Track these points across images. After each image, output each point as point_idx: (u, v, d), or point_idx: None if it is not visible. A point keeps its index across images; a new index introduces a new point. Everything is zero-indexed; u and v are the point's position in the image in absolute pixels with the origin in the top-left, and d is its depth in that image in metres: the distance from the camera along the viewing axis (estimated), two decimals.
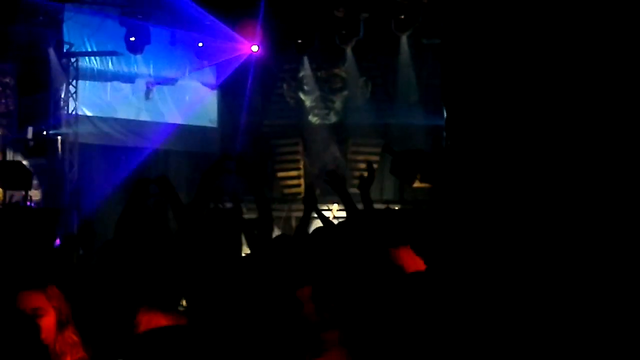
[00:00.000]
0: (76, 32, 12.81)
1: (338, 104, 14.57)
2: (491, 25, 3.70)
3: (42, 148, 12.15)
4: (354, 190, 4.93)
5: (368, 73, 14.71)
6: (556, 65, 3.44)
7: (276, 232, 7.12)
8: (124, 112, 13.63)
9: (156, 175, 4.16)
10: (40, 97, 12.61)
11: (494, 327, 2.98)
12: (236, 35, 13.76)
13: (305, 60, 14.53)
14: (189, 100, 14.47)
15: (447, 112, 4.35)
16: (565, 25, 3.43)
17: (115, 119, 13.44)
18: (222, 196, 5.98)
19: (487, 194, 3.63)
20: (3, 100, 12.16)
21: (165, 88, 14.16)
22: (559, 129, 3.44)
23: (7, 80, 12.28)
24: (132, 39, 12.67)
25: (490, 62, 3.75)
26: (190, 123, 14.49)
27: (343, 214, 8.12)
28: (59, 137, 12.72)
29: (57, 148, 12.63)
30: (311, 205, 4.67)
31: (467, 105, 3.82)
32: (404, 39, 14.10)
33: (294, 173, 14.63)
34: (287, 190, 13.65)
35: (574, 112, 3.42)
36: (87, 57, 13.09)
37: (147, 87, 13.92)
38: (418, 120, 14.59)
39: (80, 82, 13.05)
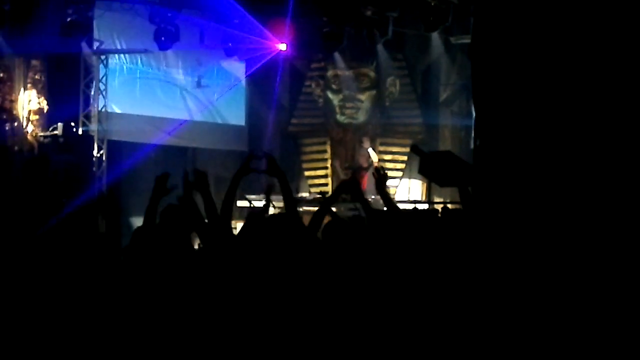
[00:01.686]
0: (106, 30, 12.89)
1: (366, 103, 14.54)
2: (522, 25, 3.67)
3: (72, 144, 12.25)
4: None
5: (396, 72, 14.66)
6: (589, 66, 3.40)
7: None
8: (153, 110, 13.70)
9: (183, 172, 4.19)
10: (70, 94, 12.71)
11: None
12: (265, 33, 13.77)
13: (335, 58, 14.51)
14: (217, 98, 14.50)
15: (476, 112, 4.32)
16: (598, 26, 3.39)
17: (144, 117, 13.51)
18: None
19: (519, 196, 3.59)
20: (34, 97, 12.27)
21: (193, 85, 14.20)
22: (591, 128, 3.40)
23: (38, 77, 12.39)
24: (163, 38, 12.72)
25: (521, 62, 3.71)
26: (218, 121, 14.54)
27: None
28: (89, 134, 12.81)
29: (87, 145, 12.73)
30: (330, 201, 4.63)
31: (498, 106, 3.79)
32: (433, 39, 14.03)
33: (321, 172, 14.63)
34: (314, 189, 13.64)
35: (604, 113, 3.38)
36: (116, 55, 13.17)
37: (198, 78, 14.02)
38: (446, 120, 14.53)
39: (109, 79, 13.13)
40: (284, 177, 4.06)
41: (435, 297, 3.32)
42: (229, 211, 3.95)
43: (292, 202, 3.98)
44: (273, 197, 11.98)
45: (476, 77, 3.97)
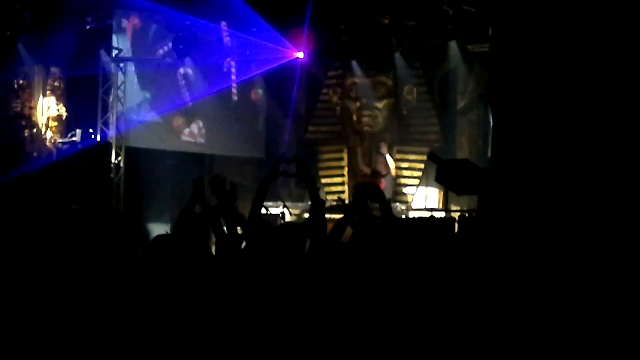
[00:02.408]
0: (124, 37, 13.01)
1: (383, 111, 14.53)
2: (540, 34, 3.69)
3: (90, 151, 12.36)
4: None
5: (414, 80, 14.67)
6: (613, 76, 3.41)
7: None
8: (171, 117, 13.78)
9: (197, 178, 4.21)
10: (88, 101, 12.83)
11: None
12: (283, 41, 13.84)
13: (353, 66, 14.55)
14: (234, 104, 14.58)
15: (493, 121, 4.35)
16: (621, 36, 3.41)
17: (162, 123, 13.60)
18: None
19: (537, 205, 3.61)
20: (53, 104, 12.40)
21: (212, 91, 14.27)
22: (613, 138, 3.41)
23: (57, 84, 12.52)
24: (181, 46, 12.82)
25: (539, 71, 3.73)
26: (236, 127, 14.60)
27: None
28: (107, 141, 12.92)
29: (105, 152, 12.83)
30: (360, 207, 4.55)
31: (515, 114, 3.81)
32: (450, 47, 14.05)
33: (338, 179, 14.65)
34: (330, 197, 13.68)
35: (627, 124, 3.39)
36: (134, 62, 13.28)
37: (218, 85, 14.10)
38: (464, 129, 14.51)
39: (128, 86, 13.24)
40: (313, 182, 4.04)
41: (452, 306, 3.32)
42: (258, 217, 3.95)
43: (320, 209, 3.93)
44: (289, 204, 12.08)
45: (494, 85, 4.00)
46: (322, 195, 14.37)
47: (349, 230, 4.08)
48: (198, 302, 3.32)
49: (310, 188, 3.97)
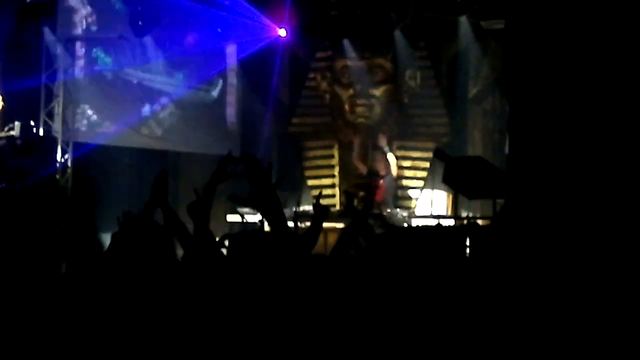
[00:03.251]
0: (73, 14, 12.93)
1: (381, 100, 14.54)
2: (565, 6, 3.67)
3: (32, 147, 12.28)
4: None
5: (417, 63, 14.67)
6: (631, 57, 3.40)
7: None
8: (127, 107, 13.72)
9: (163, 183, 4.17)
10: (30, 88, 12.75)
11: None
12: (262, 16, 13.82)
13: (345, 47, 14.54)
14: (202, 91, 14.55)
15: (511, 111, 4.32)
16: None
17: (117, 115, 13.54)
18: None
19: (564, 212, 3.59)
20: None
21: (177, 78, 14.23)
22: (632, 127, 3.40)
23: None
24: (140, 22, 12.77)
25: (564, 51, 3.71)
26: (205, 119, 14.55)
27: None
28: (51, 135, 12.84)
29: (49, 148, 12.76)
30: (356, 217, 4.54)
31: (537, 103, 3.79)
32: (461, 24, 14.07)
33: (327, 181, 14.65)
34: (325, 201, 13.68)
35: None
36: (85, 43, 13.20)
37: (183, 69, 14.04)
38: (476, 120, 14.53)
39: (77, 71, 13.16)
40: (267, 181, 3.98)
41: (462, 331, 3.32)
42: (204, 230, 3.89)
43: (276, 216, 3.87)
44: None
45: (511, 68, 3.98)
46: (308, 199, 14.39)
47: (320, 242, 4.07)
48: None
49: (262, 193, 3.90)
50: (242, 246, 3.56)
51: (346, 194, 4.34)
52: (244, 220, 10.62)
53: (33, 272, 3.98)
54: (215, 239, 3.92)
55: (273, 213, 3.85)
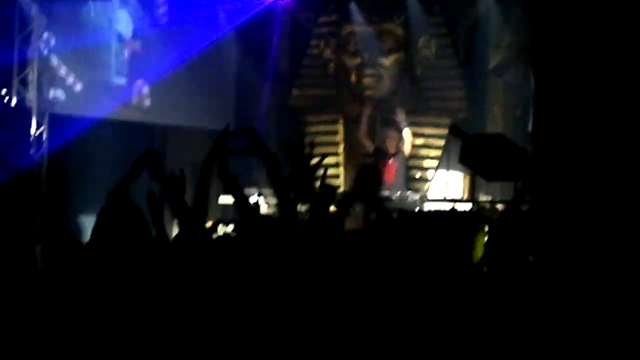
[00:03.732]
0: None
1: (391, 70, 14.51)
2: None
3: (2, 118, 12.27)
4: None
5: (432, 30, 14.63)
6: None
7: None
8: (110, 73, 13.69)
9: (151, 158, 4.16)
10: (1, 53, 12.71)
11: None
12: None
13: (351, 10, 14.50)
14: (194, 59, 14.50)
15: (536, 84, 4.28)
16: None
17: (98, 82, 13.51)
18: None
19: (592, 195, 3.57)
20: None
21: (159, 42, 14.17)
22: None
23: None
24: None
25: (597, 18, 3.67)
26: (196, 89, 14.51)
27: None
28: (25, 105, 12.82)
29: (22, 119, 12.74)
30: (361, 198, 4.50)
31: (566, 75, 3.75)
32: None
33: (331, 160, 14.63)
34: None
35: None
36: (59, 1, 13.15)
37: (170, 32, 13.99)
38: (497, 94, 14.50)
39: (52, 34, 13.11)
40: (274, 159, 3.97)
41: (479, 328, 3.32)
42: (203, 209, 3.91)
43: (285, 197, 3.88)
44: (266, 190, 12.06)
45: (537, 36, 3.94)
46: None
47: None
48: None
49: (270, 170, 3.91)
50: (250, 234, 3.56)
51: (359, 171, 4.23)
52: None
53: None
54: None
55: (283, 195, 3.86)
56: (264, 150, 3.94)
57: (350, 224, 4.23)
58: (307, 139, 14.66)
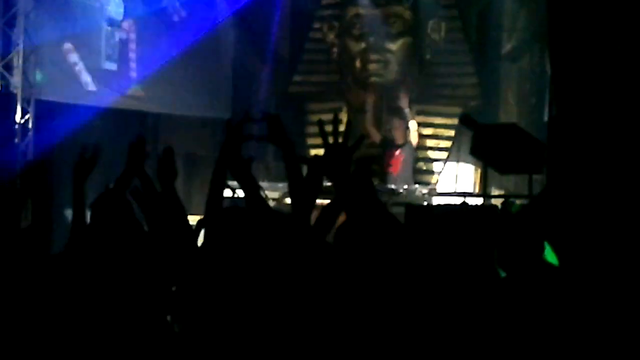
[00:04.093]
0: None
1: (398, 55, 14.51)
2: None
3: None
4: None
5: (442, 13, 14.63)
6: None
7: None
8: (100, 59, 13.70)
9: (140, 150, 4.18)
10: None
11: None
12: None
13: None
14: (189, 44, 14.49)
15: (553, 70, 4.28)
16: None
17: (87, 68, 13.51)
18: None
19: (611, 188, 3.57)
20: None
21: (152, 26, 14.17)
22: None
23: None
24: None
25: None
26: (190, 75, 14.51)
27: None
28: (10, 91, 12.82)
29: (7, 105, 12.74)
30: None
31: (584, 61, 3.75)
32: None
33: None
34: None
35: None
36: None
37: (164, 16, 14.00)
38: (511, 81, 14.50)
39: (38, 16, 13.11)
40: (291, 149, 3.96)
41: (493, 329, 3.33)
42: (218, 202, 3.91)
43: (300, 191, 3.86)
44: (265, 184, 12.06)
45: (555, 20, 3.93)
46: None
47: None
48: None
49: (287, 159, 3.89)
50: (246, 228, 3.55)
51: (358, 163, 4.17)
52: (235, 195, 10.61)
53: None
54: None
55: (298, 188, 3.84)
56: (285, 139, 3.93)
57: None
58: (310, 128, 14.71)
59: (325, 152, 3.74)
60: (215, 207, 3.92)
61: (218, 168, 4.00)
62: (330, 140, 3.71)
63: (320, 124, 3.73)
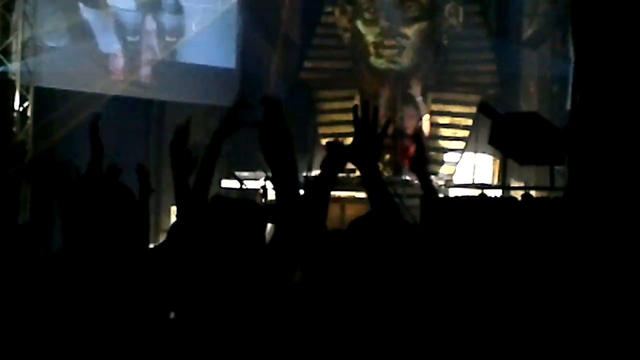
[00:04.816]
0: None
1: (414, 40, 14.49)
2: None
3: None
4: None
5: None
6: None
7: None
8: (101, 43, 13.72)
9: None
10: None
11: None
12: None
13: None
14: (195, 29, 14.51)
15: (577, 57, 4.27)
16: None
17: (88, 53, 13.53)
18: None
19: (636, 179, 3.57)
20: None
21: (161, 9, 14.20)
22: None
23: None
24: None
25: None
26: (196, 62, 14.53)
27: None
28: (8, 78, 12.85)
29: (5, 92, 12.77)
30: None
31: (609, 47, 3.75)
32: None
33: (346, 140, 14.63)
34: None
35: None
36: None
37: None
38: (532, 68, 14.48)
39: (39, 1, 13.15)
40: (288, 138, 3.93)
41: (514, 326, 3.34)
42: (204, 190, 3.91)
43: (292, 181, 3.84)
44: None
45: (578, 4, 3.93)
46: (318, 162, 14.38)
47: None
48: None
49: (282, 149, 3.86)
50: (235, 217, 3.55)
51: (329, 146, 4.15)
52: (243, 187, 10.64)
53: None
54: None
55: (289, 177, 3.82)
56: (282, 129, 3.87)
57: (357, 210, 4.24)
58: (321, 117, 14.72)
59: (356, 139, 3.75)
60: (201, 198, 3.92)
61: (208, 156, 3.99)
62: (363, 126, 3.72)
63: (356, 109, 3.75)
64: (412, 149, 13.41)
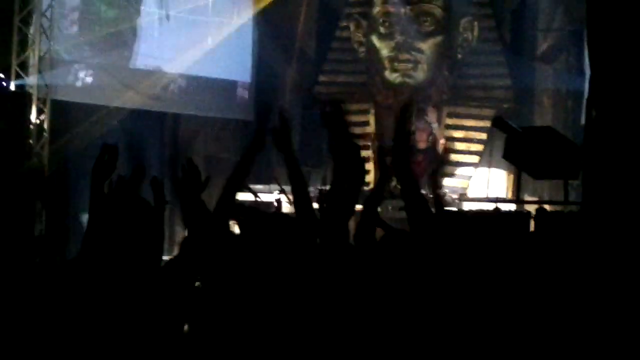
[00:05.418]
0: None
1: (429, 55, 14.48)
2: None
3: (1, 104, 12.31)
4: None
5: (474, 11, 14.60)
6: None
7: None
8: (118, 57, 13.74)
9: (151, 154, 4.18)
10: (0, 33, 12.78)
11: None
12: None
13: None
14: (210, 42, 14.53)
15: (592, 71, 4.26)
16: None
17: (104, 67, 13.56)
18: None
19: None
20: None
21: (174, 22, 14.21)
22: None
23: None
24: None
25: None
26: (211, 76, 14.54)
27: None
28: (25, 91, 12.87)
29: (21, 105, 12.78)
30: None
31: (625, 61, 3.74)
32: None
33: (362, 154, 14.62)
34: None
35: None
36: None
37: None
38: (546, 82, 14.45)
39: (56, 13, 13.17)
40: (290, 152, 3.98)
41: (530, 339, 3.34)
42: (228, 207, 3.92)
43: (302, 194, 3.87)
44: (288, 187, 12.04)
45: (595, 17, 3.92)
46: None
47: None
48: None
49: (287, 163, 3.92)
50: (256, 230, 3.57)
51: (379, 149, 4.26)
52: (257, 200, 10.62)
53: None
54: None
55: (300, 191, 3.86)
56: (287, 144, 3.93)
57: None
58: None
59: (395, 145, 3.82)
60: (228, 209, 3.92)
61: (237, 173, 3.99)
62: (400, 133, 3.79)
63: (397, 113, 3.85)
64: (423, 163, 13.41)
